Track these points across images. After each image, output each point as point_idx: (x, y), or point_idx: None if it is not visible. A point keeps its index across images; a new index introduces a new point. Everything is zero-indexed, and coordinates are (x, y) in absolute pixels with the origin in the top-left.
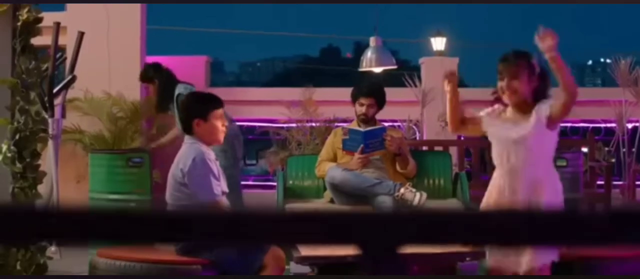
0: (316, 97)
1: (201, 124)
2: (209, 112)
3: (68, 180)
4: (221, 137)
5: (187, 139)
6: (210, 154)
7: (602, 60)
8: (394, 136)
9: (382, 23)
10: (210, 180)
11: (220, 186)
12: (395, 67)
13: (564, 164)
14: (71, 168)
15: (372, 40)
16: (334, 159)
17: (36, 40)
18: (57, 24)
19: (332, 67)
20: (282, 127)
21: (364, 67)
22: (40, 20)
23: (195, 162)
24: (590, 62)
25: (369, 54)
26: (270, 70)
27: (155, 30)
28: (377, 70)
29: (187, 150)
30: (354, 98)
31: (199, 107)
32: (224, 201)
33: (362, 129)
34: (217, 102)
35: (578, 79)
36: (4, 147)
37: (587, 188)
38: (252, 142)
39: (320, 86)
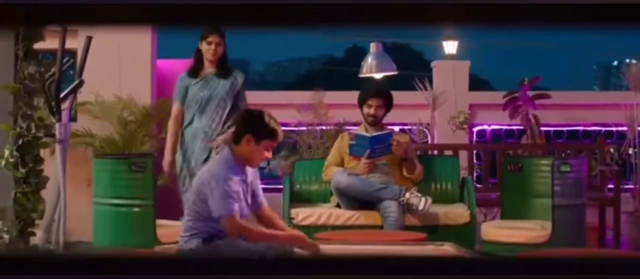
0: (327, 101)
1: (251, 142)
2: (264, 139)
3: (79, 184)
4: (257, 164)
5: (227, 153)
6: (236, 177)
7: (628, 61)
8: (400, 140)
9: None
10: (229, 201)
11: (240, 206)
12: (395, 72)
13: (568, 169)
14: (82, 172)
15: (373, 46)
16: (341, 163)
17: (46, 45)
18: (64, 29)
19: (356, 69)
20: (293, 131)
21: (364, 74)
22: None
23: (220, 181)
24: (615, 63)
25: (369, 59)
26: (294, 71)
27: (169, 32)
28: (378, 76)
29: (222, 165)
30: (362, 101)
31: (261, 127)
32: (238, 217)
33: (368, 135)
34: (275, 136)
35: (603, 80)
36: (7, 153)
37: (597, 192)
38: None
39: (344, 87)
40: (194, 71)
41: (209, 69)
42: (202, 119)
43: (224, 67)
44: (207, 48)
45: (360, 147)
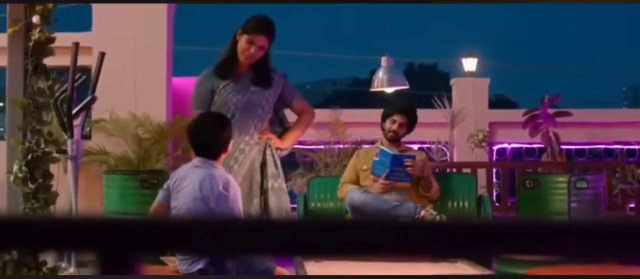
0: (344, 119)
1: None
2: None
3: (93, 201)
4: None
5: (211, 164)
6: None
7: None
8: (417, 158)
9: (437, 44)
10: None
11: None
12: (407, 87)
13: (585, 186)
14: (97, 189)
15: (384, 61)
16: (357, 181)
17: (60, 61)
18: (76, 45)
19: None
20: (311, 149)
21: (375, 88)
22: (52, 40)
23: (232, 186)
24: None
25: (380, 74)
26: (320, 92)
27: (194, 51)
28: (389, 90)
29: (222, 173)
30: (386, 115)
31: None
32: None
33: (391, 152)
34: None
35: (632, 101)
36: (16, 168)
37: (618, 211)
38: None
39: (368, 107)
40: (225, 69)
41: (243, 69)
42: (235, 132)
43: (262, 74)
44: (246, 47)
45: (381, 164)
